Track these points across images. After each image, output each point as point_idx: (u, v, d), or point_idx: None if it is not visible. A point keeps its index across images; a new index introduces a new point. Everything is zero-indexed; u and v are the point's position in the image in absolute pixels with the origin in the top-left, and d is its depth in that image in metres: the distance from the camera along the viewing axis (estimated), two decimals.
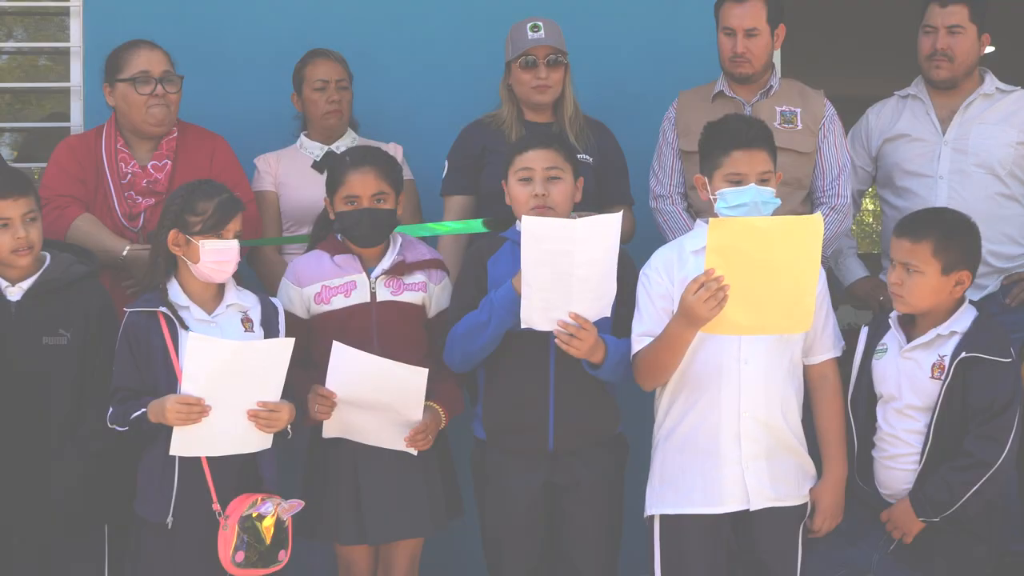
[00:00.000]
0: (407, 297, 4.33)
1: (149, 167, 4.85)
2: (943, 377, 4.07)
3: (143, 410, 4.03)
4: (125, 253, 4.68)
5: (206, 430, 3.99)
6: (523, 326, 4.03)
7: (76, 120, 5.56)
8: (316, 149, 5.20)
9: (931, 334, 4.16)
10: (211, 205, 4.12)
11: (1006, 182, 5.08)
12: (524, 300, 3.98)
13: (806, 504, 4.15)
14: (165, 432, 4.02)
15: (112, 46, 4.97)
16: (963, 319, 4.17)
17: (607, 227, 3.96)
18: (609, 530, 4.32)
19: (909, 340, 4.21)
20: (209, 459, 4.05)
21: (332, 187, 4.35)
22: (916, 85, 5.28)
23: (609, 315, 4.10)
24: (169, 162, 4.87)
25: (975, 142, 5.08)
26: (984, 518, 4.12)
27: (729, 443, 4.04)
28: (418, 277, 4.36)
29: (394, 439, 4.20)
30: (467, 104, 5.29)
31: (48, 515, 4.19)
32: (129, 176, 4.84)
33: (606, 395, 4.29)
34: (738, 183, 4.02)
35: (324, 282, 4.31)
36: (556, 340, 4.03)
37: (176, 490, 4.07)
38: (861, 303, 5.45)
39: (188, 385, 3.96)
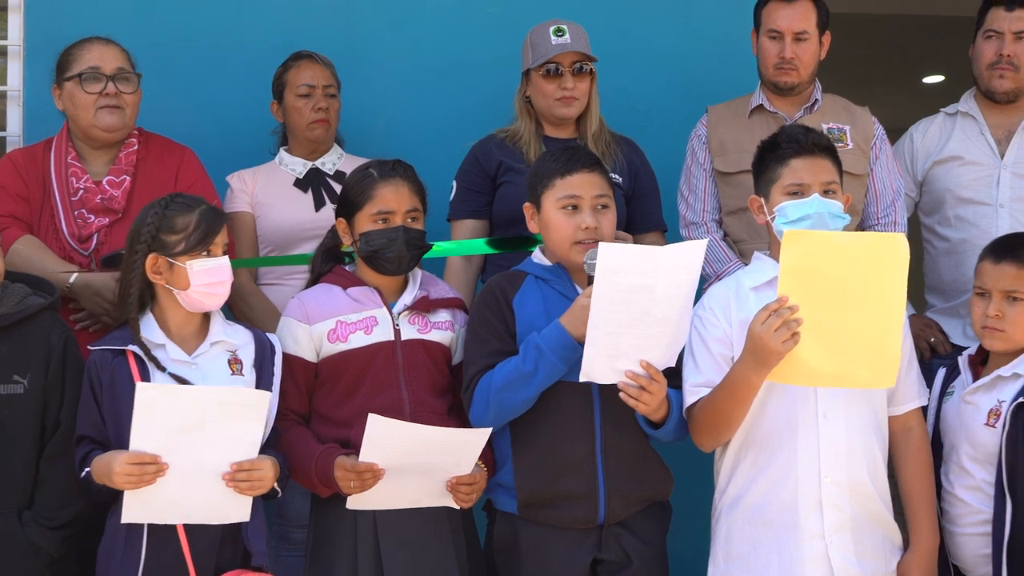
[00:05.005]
0: (435, 336, 3.78)
1: (104, 183, 4.31)
2: (999, 425, 3.64)
3: (88, 469, 3.46)
4: (72, 281, 4.12)
5: (166, 494, 3.39)
6: (582, 379, 3.47)
7: (13, 129, 4.99)
8: (299, 165, 4.70)
9: (992, 376, 3.74)
10: (191, 219, 3.57)
11: None
12: (589, 348, 3.41)
13: None
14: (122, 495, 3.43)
15: (57, 45, 4.45)
16: None
17: (690, 257, 3.41)
18: None
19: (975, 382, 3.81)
20: (185, 528, 3.44)
21: (354, 205, 3.80)
22: (966, 101, 4.84)
23: (674, 363, 3.57)
24: (128, 178, 4.33)
25: None
26: None
27: (809, 513, 3.52)
28: (443, 316, 3.83)
29: (434, 497, 3.65)
30: (467, 117, 4.86)
31: None
32: (81, 192, 4.29)
33: (655, 454, 3.76)
34: (799, 194, 3.57)
35: (340, 317, 3.73)
36: (622, 395, 3.46)
37: (143, 566, 3.45)
38: None
39: (138, 441, 3.36)
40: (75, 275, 4.13)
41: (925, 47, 8.91)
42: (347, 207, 3.82)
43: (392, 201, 3.75)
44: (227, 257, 3.59)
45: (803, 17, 4.46)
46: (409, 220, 3.77)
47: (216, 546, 3.50)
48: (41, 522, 3.58)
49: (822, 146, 3.64)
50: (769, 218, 3.62)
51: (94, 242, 4.24)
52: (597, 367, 3.44)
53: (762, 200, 3.65)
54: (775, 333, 3.30)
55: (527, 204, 3.79)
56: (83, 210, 4.27)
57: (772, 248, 3.64)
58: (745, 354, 3.41)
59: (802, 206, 3.54)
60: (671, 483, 3.79)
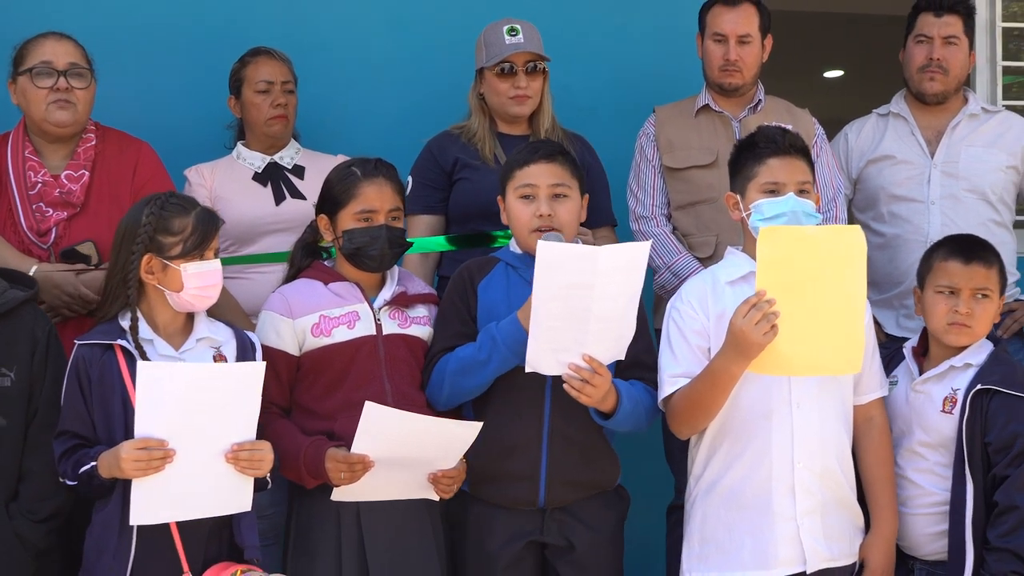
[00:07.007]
0: (414, 331, 3.84)
1: (63, 177, 4.28)
2: (956, 412, 3.81)
3: (93, 463, 3.40)
4: (31, 274, 4.05)
5: (172, 485, 3.35)
6: (528, 370, 3.57)
7: None
8: (257, 160, 4.70)
9: (944, 366, 3.91)
10: (189, 222, 3.55)
11: (997, 208, 4.84)
12: (532, 340, 3.52)
13: (855, 564, 3.79)
14: (119, 490, 3.41)
15: (7, 38, 4.38)
16: (979, 351, 3.92)
17: (633, 257, 3.53)
18: None
19: (922, 372, 3.95)
20: (177, 522, 3.43)
21: (337, 203, 3.82)
22: (897, 103, 5.00)
23: (623, 357, 3.67)
24: (86, 172, 4.30)
25: (966, 166, 4.82)
26: None
27: (782, 497, 3.65)
28: (421, 311, 3.89)
29: (417, 489, 3.70)
30: (421, 111, 4.90)
31: None
32: (39, 186, 4.25)
33: (605, 443, 3.86)
34: (774, 192, 3.68)
35: (322, 312, 3.76)
36: (566, 386, 3.57)
37: (133, 561, 3.43)
38: None
39: (144, 425, 3.32)
40: (34, 268, 4.09)
41: (825, 43, 9.12)
42: (330, 204, 3.84)
43: (376, 200, 3.79)
44: (219, 261, 3.59)
45: (746, 21, 4.62)
46: (391, 219, 3.80)
47: (204, 540, 3.49)
48: (26, 515, 3.58)
49: (797, 147, 3.75)
50: (745, 214, 3.72)
51: (53, 235, 4.21)
52: (541, 359, 3.54)
53: (738, 197, 3.76)
54: (756, 326, 3.40)
55: (499, 197, 3.88)
56: (41, 204, 4.23)
57: (746, 243, 3.75)
58: (726, 347, 3.50)
59: (777, 204, 3.65)
60: (617, 473, 3.88)
